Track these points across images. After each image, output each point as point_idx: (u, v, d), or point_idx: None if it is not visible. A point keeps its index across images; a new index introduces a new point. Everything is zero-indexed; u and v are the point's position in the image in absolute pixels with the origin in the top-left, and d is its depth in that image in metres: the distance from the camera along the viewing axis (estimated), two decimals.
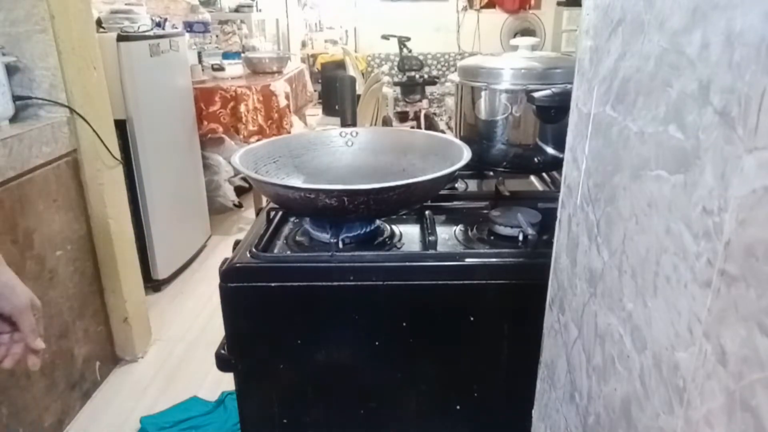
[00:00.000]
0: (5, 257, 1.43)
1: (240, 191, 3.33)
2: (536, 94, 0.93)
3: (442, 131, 5.26)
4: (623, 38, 0.39)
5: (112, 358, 1.98)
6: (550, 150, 1.03)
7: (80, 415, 1.76)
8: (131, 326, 1.98)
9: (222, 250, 2.93)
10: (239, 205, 3.33)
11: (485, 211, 0.96)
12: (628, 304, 0.37)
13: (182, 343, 2.16)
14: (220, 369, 0.86)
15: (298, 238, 0.89)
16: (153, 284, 2.47)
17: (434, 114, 5.18)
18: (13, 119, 1.56)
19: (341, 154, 1.03)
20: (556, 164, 1.09)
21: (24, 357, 0.75)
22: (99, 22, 2.21)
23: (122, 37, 2.12)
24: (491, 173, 1.16)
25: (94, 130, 1.71)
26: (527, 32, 6.22)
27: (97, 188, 1.77)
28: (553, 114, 0.97)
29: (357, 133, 1.05)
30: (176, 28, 2.86)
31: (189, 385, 1.91)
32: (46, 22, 1.54)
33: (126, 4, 2.48)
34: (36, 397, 1.55)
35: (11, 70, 1.57)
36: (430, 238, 0.80)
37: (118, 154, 1.86)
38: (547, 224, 0.88)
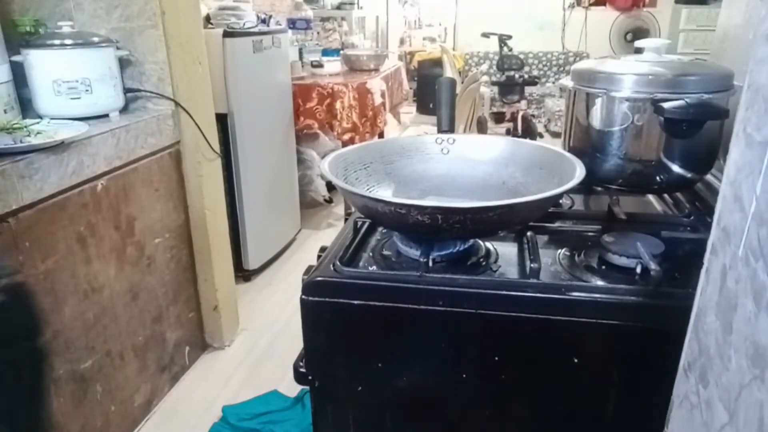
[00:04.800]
0: (108, 243, 1.51)
1: (331, 186, 3.35)
2: (666, 105, 0.81)
3: (540, 134, 5.03)
4: None
5: (201, 345, 2.04)
6: (676, 168, 0.90)
7: (168, 397, 1.83)
8: (221, 314, 2.04)
9: (311, 245, 2.97)
10: (330, 201, 3.35)
11: (595, 234, 0.85)
12: None
13: (268, 334, 2.20)
14: (297, 382, 0.82)
15: (385, 251, 0.83)
16: (243, 274, 2.54)
17: (532, 116, 4.96)
18: (123, 110, 1.63)
19: (436, 162, 0.96)
20: (682, 185, 0.96)
21: None
22: (208, 18, 2.29)
23: (228, 33, 2.18)
24: (600, 189, 1.04)
25: (196, 124, 1.76)
26: (640, 32, 5.81)
27: (197, 180, 1.83)
28: (684, 128, 0.84)
29: (454, 141, 0.98)
30: (280, 24, 2.92)
31: (271, 378, 1.93)
32: (157, 18, 1.60)
33: (234, 1, 2.56)
34: (128, 377, 1.62)
35: (124, 64, 1.65)
36: (532, 265, 0.72)
37: (217, 147, 1.91)
38: (671, 257, 0.76)
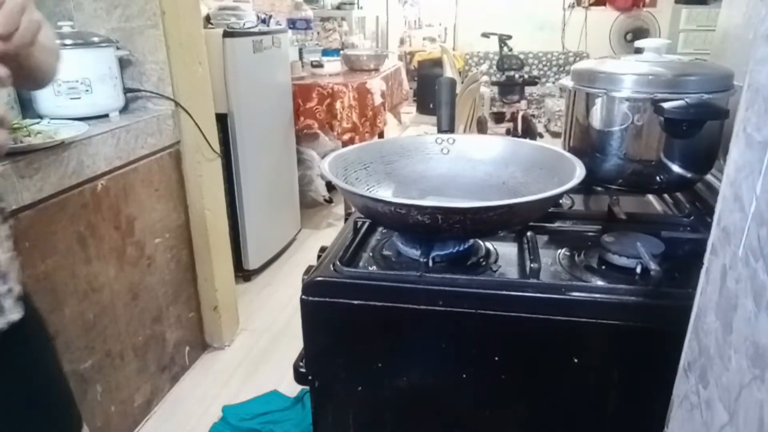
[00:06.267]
0: (108, 243, 1.51)
1: (331, 187, 3.35)
2: (666, 105, 0.81)
3: (540, 134, 5.03)
4: None
5: (201, 345, 2.04)
6: (676, 168, 0.90)
7: (168, 397, 1.83)
8: (220, 314, 2.04)
9: (311, 245, 2.97)
10: (330, 201, 3.36)
11: (595, 234, 0.85)
12: None
13: (267, 334, 2.20)
14: (297, 382, 0.82)
15: (385, 251, 0.83)
16: (243, 274, 2.54)
17: (532, 116, 4.97)
18: (123, 110, 1.64)
19: (436, 162, 0.96)
20: (682, 185, 0.96)
21: None
22: (208, 18, 2.29)
23: (228, 33, 2.18)
24: (600, 189, 1.04)
25: (196, 124, 1.76)
26: (640, 32, 5.81)
27: (197, 180, 1.83)
28: (684, 128, 0.84)
29: (454, 141, 0.98)
30: (280, 24, 2.92)
31: (271, 378, 1.93)
32: (157, 18, 1.60)
33: (234, 1, 2.56)
34: (128, 377, 1.62)
35: (124, 64, 1.65)
36: (532, 265, 0.72)
37: (217, 147, 1.91)
38: (671, 257, 0.76)
